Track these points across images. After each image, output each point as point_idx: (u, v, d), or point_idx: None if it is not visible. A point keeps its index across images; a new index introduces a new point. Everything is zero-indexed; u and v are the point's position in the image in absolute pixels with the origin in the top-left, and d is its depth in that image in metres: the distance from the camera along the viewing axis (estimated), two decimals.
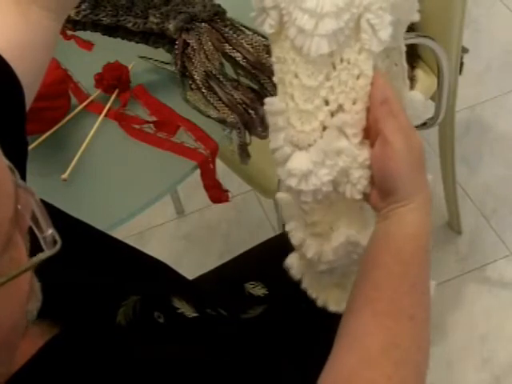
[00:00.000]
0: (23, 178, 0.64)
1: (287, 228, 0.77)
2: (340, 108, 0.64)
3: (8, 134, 0.61)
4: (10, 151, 0.57)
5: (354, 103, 0.63)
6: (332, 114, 0.64)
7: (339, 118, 0.64)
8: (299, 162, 0.65)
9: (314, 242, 0.74)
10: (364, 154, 0.64)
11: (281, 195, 0.75)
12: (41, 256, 0.43)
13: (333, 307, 0.82)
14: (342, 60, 0.63)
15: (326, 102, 0.64)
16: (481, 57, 2.05)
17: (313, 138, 0.65)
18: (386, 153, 0.62)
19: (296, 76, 0.63)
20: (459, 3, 1.17)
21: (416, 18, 0.68)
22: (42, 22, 0.67)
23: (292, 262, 0.83)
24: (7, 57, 0.62)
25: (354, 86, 0.63)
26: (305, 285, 0.83)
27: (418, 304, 0.62)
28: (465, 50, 1.31)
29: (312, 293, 0.83)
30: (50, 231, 0.43)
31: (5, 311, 0.42)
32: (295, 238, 0.76)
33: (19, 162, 0.63)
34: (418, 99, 0.73)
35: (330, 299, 0.82)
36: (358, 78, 0.63)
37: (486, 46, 2.08)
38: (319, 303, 0.83)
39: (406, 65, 0.72)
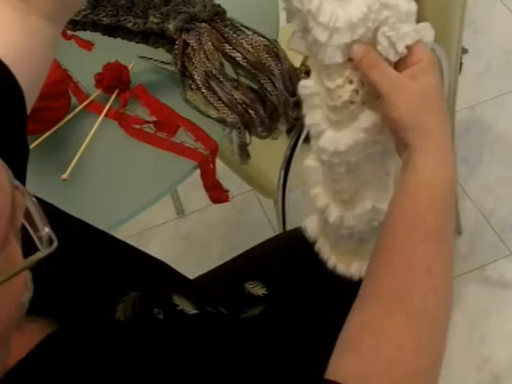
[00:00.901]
0: (23, 179, 0.64)
1: (312, 192, 0.79)
2: (366, 104, 0.68)
3: (8, 136, 0.62)
4: (10, 153, 0.57)
5: (378, 98, 0.67)
6: (359, 110, 0.68)
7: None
8: (331, 142, 0.69)
9: (338, 208, 0.77)
10: None
11: (309, 162, 0.78)
12: (38, 255, 0.43)
13: (342, 269, 0.84)
14: None
15: (351, 102, 0.67)
16: (481, 57, 2.05)
17: (340, 126, 0.69)
18: (384, 106, 0.64)
19: (319, 73, 0.67)
20: (459, 3, 1.17)
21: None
22: (41, 30, 0.67)
23: (309, 224, 0.85)
24: (7, 61, 0.63)
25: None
26: (318, 246, 0.85)
27: (435, 255, 0.61)
28: (464, 51, 1.31)
29: (324, 254, 0.85)
30: (47, 230, 0.43)
31: (1, 309, 0.42)
32: (320, 202, 0.78)
33: (19, 164, 0.63)
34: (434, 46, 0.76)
35: (340, 262, 0.84)
36: None
37: (485, 46, 2.08)
38: (329, 265, 0.84)
39: None
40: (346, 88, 0.66)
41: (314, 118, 0.70)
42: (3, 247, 0.41)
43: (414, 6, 0.63)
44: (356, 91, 0.66)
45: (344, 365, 0.58)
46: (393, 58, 0.65)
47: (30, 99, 0.67)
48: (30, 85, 0.66)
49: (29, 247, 0.44)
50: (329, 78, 0.66)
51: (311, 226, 0.86)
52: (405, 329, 0.58)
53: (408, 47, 0.65)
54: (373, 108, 0.68)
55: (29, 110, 0.67)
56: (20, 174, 0.63)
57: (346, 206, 0.77)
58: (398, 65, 0.66)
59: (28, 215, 0.44)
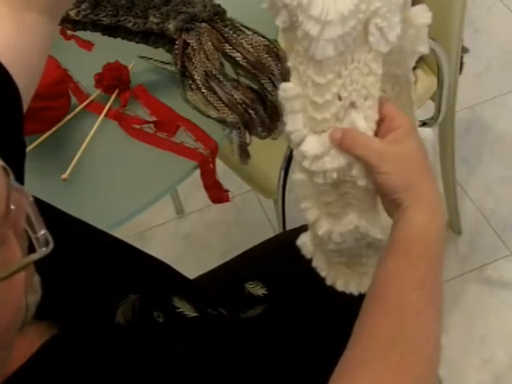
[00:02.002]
0: (21, 178, 0.64)
1: (302, 206, 0.79)
2: (353, 105, 0.67)
3: (5, 135, 0.61)
4: (7, 152, 0.57)
5: (366, 99, 0.67)
6: (345, 110, 0.67)
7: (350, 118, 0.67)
8: (311, 145, 0.68)
9: (326, 221, 0.77)
10: None
11: (297, 176, 0.77)
12: (32, 257, 0.43)
13: (341, 286, 0.84)
14: (352, 60, 0.65)
15: (339, 98, 0.66)
16: (481, 57, 2.05)
17: (324, 127, 0.68)
18: (376, 176, 0.66)
19: (307, 68, 0.65)
20: (459, 3, 1.17)
21: (425, 50, 0.70)
22: (37, 25, 0.67)
23: (304, 241, 0.85)
24: (3, 60, 0.62)
25: (365, 83, 0.66)
26: (315, 263, 0.85)
27: (426, 301, 0.63)
28: (465, 50, 1.31)
29: (322, 271, 0.85)
30: (43, 232, 0.43)
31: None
32: (310, 215, 0.78)
33: (17, 164, 0.63)
34: (427, 137, 0.76)
35: (339, 278, 0.84)
36: (367, 75, 0.66)
37: (485, 46, 2.08)
38: (328, 281, 0.84)
39: (413, 98, 0.75)
40: (336, 82, 0.65)
41: (295, 123, 0.69)
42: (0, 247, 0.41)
43: None
44: (344, 86, 0.66)
45: None
46: (383, 49, 0.64)
47: (27, 97, 0.67)
48: (27, 83, 0.66)
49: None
50: (319, 73, 0.65)
51: (306, 243, 0.85)
52: (399, 370, 0.59)
53: (386, 113, 0.67)
54: (359, 110, 0.67)
55: (25, 108, 0.66)
56: (17, 173, 0.63)
57: (334, 221, 0.76)
58: (380, 131, 0.68)
59: (27, 217, 0.44)
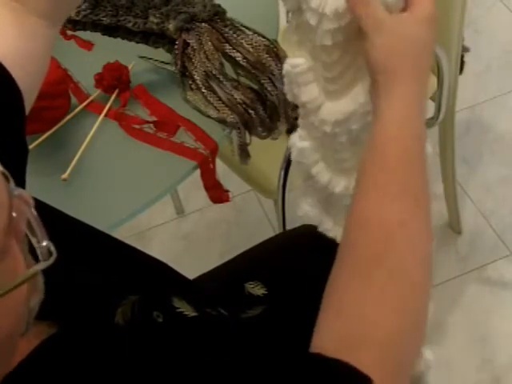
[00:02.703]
0: (23, 182, 0.64)
1: (314, 171, 0.80)
2: (362, 70, 0.67)
3: (8, 138, 0.61)
4: (8, 155, 0.57)
5: None
6: (354, 78, 0.69)
7: None
8: (330, 112, 0.71)
9: (341, 177, 0.79)
10: None
11: (303, 143, 0.79)
12: (36, 267, 0.42)
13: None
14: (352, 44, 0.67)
15: (349, 67, 0.68)
16: (481, 57, 2.05)
17: (338, 95, 0.70)
18: (364, 45, 0.62)
19: (315, 48, 0.68)
20: (459, 3, 1.17)
21: None
22: (37, 29, 0.67)
23: (306, 210, 0.87)
24: (5, 63, 0.62)
25: None
26: (321, 228, 0.88)
27: (409, 210, 0.59)
28: (466, 49, 1.31)
29: (329, 232, 0.87)
30: (45, 243, 0.43)
31: (0, 322, 0.42)
32: (323, 178, 0.80)
33: (19, 167, 0.63)
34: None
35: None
36: None
37: (485, 46, 2.08)
38: (339, 239, 0.84)
39: None
40: (343, 60, 0.67)
41: (310, 93, 0.71)
42: (1, 260, 0.40)
43: None
44: (354, 58, 0.67)
45: (328, 332, 0.58)
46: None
47: (29, 100, 0.67)
48: (29, 86, 0.66)
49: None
50: (326, 54, 0.67)
51: (309, 211, 0.87)
52: (385, 289, 0.56)
53: None
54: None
55: (27, 110, 0.67)
56: (19, 176, 0.63)
57: (350, 175, 0.77)
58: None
59: (29, 224, 0.44)
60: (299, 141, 0.80)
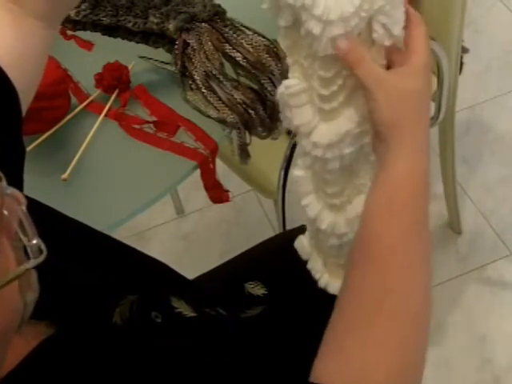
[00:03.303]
0: (20, 182, 0.64)
1: (303, 202, 0.79)
2: (358, 91, 0.67)
3: (3, 139, 0.61)
4: (4, 155, 0.57)
5: None
6: (351, 95, 0.67)
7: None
8: (323, 134, 0.68)
9: (329, 214, 0.77)
10: None
11: (298, 172, 0.78)
12: (26, 266, 0.43)
13: (334, 289, 0.84)
14: None
15: (345, 86, 0.66)
16: (481, 57, 2.05)
17: (334, 115, 0.68)
18: (368, 101, 0.64)
19: (312, 63, 0.66)
20: (459, 3, 1.17)
21: None
22: (34, 30, 0.67)
23: (301, 242, 0.86)
24: (1, 63, 0.62)
25: None
26: (310, 265, 0.86)
27: (414, 250, 0.61)
28: (465, 50, 1.31)
29: (316, 273, 0.85)
30: (35, 241, 0.43)
31: None
32: (311, 212, 0.78)
33: (15, 167, 0.63)
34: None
35: (332, 282, 0.84)
36: None
37: (485, 46, 2.08)
38: (321, 284, 0.85)
39: None
40: (341, 73, 0.66)
41: (303, 116, 0.69)
42: None
43: None
44: (350, 76, 0.66)
45: (329, 366, 0.59)
46: (387, 42, 0.64)
47: (26, 101, 0.67)
48: (26, 87, 0.66)
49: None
50: (324, 68, 0.65)
51: (303, 244, 0.86)
52: (387, 329, 0.58)
53: (409, 44, 0.65)
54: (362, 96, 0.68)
55: (24, 111, 0.67)
56: (16, 176, 0.63)
57: (338, 212, 0.76)
58: (393, 57, 0.66)
59: (20, 223, 0.44)
60: (296, 169, 0.78)
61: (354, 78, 0.66)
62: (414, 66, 0.64)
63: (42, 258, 0.43)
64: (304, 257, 0.86)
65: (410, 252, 0.61)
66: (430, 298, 0.61)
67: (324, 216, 0.77)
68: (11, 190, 0.43)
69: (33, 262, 0.43)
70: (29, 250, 0.43)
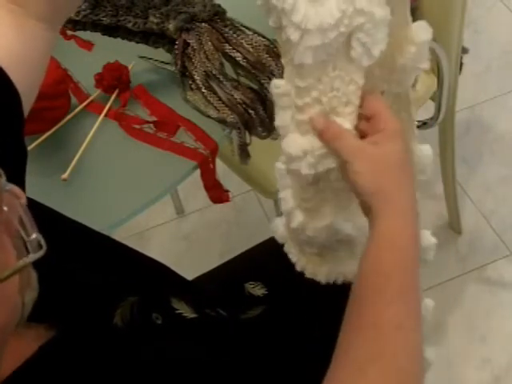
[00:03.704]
0: (22, 183, 0.64)
1: (280, 195, 0.79)
2: (333, 110, 0.67)
3: (5, 139, 0.61)
4: (6, 156, 0.57)
5: (346, 106, 0.67)
6: (325, 114, 0.67)
7: None
8: (292, 144, 0.68)
9: (301, 215, 0.77)
10: None
11: (279, 165, 0.78)
12: (25, 260, 0.43)
13: (309, 274, 0.84)
14: (334, 68, 0.65)
15: (319, 101, 0.66)
16: (481, 57, 2.05)
17: (307, 128, 0.67)
18: (348, 173, 0.65)
19: (292, 70, 0.65)
20: (459, 3, 1.17)
21: (426, 66, 0.70)
22: (36, 32, 0.67)
23: (277, 226, 0.86)
24: (3, 64, 0.62)
25: (346, 91, 0.66)
26: (287, 249, 0.86)
27: (404, 313, 0.61)
28: (465, 51, 1.31)
29: (293, 256, 0.85)
30: (35, 235, 0.43)
31: None
32: (285, 206, 0.78)
33: (17, 168, 0.63)
34: (427, 154, 0.75)
35: (308, 265, 0.84)
36: (349, 84, 0.66)
37: (485, 46, 2.08)
38: (298, 267, 0.85)
39: (414, 116, 0.75)
40: (316, 87, 0.65)
41: (283, 119, 0.69)
42: None
43: (388, 14, 0.62)
44: (324, 92, 0.66)
45: None
46: (365, 63, 0.64)
47: (28, 102, 0.67)
48: (27, 88, 0.66)
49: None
50: (299, 76, 0.64)
51: (279, 228, 0.86)
52: None
53: (375, 113, 0.66)
54: (340, 115, 0.67)
55: (26, 112, 0.66)
56: (19, 176, 0.63)
57: (309, 216, 0.76)
58: (366, 129, 0.67)
59: (20, 220, 0.44)
60: (279, 160, 0.78)
61: (331, 96, 0.65)
62: (390, 130, 0.66)
63: (41, 252, 0.43)
64: (280, 240, 0.86)
65: (400, 315, 0.61)
66: (421, 358, 0.61)
67: (295, 214, 0.77)
68: (10, 186, 0.43)
69: (32, 257, 0.43)
70: (28, 244, 0.43)
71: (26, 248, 0.43)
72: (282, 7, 0.60)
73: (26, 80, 0.65)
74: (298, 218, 0.77)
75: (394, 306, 0.61)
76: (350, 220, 0.75)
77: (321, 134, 0.66)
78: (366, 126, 0.68)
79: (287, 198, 0.78)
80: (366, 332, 0.60)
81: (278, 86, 0.68)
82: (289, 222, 0.78)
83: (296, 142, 0.68)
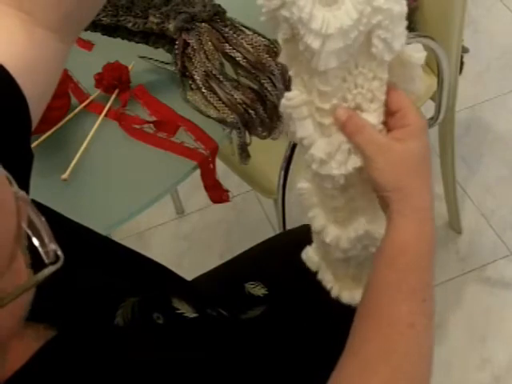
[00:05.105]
0: (27, 187, 0.64)
1: (309, 215, 0.78)
2: (358, 107, 0.66)
3: (12, 145, 0.62)
4: (14, 162, 0.57)
5: (372, 102, 0.66)
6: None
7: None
8: (320, 148, 0.68)
9: (333, 228, 0.76)
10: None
11: (302, 185, 0.77)
12: (45, 272, 0.42)
13: (346, 298, 0.83)
14: (356, 66, 0.65)
15: (345, 99, 0.66)
16: (481, 57, 2.05)
17: (333, 130, 0.67)
18: (369, 169, 0.65)
19: (312, 77, 0.65)
20: (459, 3, 1.17)
21: (418, 89, 0.69)
22: (47, 41, 0.67)
23: (309, 254, 0.85)
24: (11, 71, 0.63)
25: (370, 87, 0.66)
26: (321, 276, 0.85)
27: (418, 312, 0.62)
28: (465, 50, 1.32)
29: (327, 283, 0.84)
30: (53, 247, 0.43)
31: (4, 322, 0.42)
32: (316, 224, 0.77)
33: (24, 173, 0.63)
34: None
35: (344, 290, 0.83)
36: (372, 80, 0.65)
37: (485, 46, 2.08)
38: (333, 294, 0.84)
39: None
40: (342, 86, 0.65)
41: (305, 129, 0.68)
42: (10, 264, 0.41)
43: (405, 8, 0.62)
44: (349, 90, 0.65)
45: None
46: (387, 57, 0.64)
47: (37, 109, 0.67)
48: (36, 94, 0.65)
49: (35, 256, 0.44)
50: (324, 82, 0.64)
51: (311, 256, 0.85)
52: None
53: (400, 108, 0.65)
54: (365, 111, 0.67)
55: (35, 120, 0.67)
56: (24, 181, 0.63)
57: (342, 226, 0.76)
58: (389, 124, 0.67)
59: (32, 227, 0.43)
60: (301, 181, 0.77)
61: (355, 93, 0.65)
62: (416, 126, 0.65)
63: (59, 263, 0.43)
64: (313, 268, 0.85)
65: (413, 313, 0.61)
66: (431, 357, 0.62)
67: (329, 230, 0.76)
68: (21, 194, 0.43)
69: (51, 268, 0.42)
70: (43, 255, 0.43)
71: (34, 254, 0.43)
72: (299, 17, 0.59)
73: (35, 87, 0.65)
74: (332, 231, 0.76)
75: (408, 303, 0.61)
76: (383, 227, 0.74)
77: (344, 127, 0.65)
78: (389, 121, 0.67)
79: (317, 215, 0.77)
80: (380, 329, 0.61)
81: (291, 98, 0.67)
82: (322, 239, 0.77)
83: (322, 145, 0.67)
